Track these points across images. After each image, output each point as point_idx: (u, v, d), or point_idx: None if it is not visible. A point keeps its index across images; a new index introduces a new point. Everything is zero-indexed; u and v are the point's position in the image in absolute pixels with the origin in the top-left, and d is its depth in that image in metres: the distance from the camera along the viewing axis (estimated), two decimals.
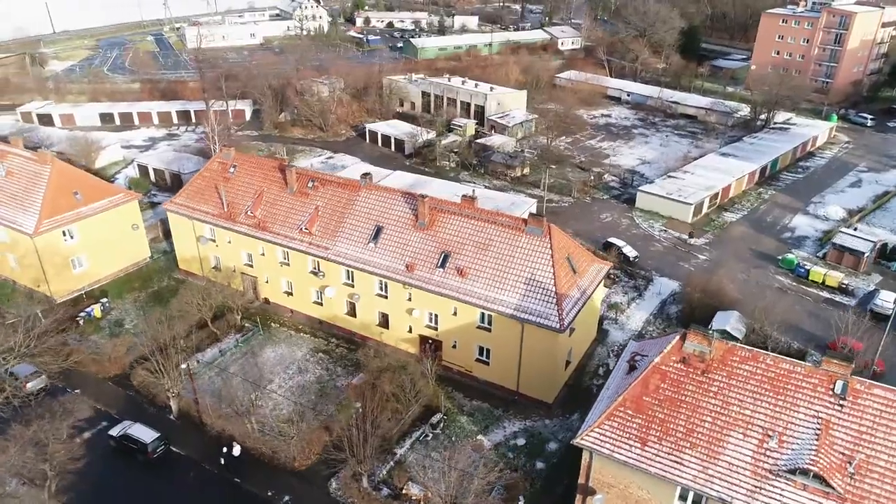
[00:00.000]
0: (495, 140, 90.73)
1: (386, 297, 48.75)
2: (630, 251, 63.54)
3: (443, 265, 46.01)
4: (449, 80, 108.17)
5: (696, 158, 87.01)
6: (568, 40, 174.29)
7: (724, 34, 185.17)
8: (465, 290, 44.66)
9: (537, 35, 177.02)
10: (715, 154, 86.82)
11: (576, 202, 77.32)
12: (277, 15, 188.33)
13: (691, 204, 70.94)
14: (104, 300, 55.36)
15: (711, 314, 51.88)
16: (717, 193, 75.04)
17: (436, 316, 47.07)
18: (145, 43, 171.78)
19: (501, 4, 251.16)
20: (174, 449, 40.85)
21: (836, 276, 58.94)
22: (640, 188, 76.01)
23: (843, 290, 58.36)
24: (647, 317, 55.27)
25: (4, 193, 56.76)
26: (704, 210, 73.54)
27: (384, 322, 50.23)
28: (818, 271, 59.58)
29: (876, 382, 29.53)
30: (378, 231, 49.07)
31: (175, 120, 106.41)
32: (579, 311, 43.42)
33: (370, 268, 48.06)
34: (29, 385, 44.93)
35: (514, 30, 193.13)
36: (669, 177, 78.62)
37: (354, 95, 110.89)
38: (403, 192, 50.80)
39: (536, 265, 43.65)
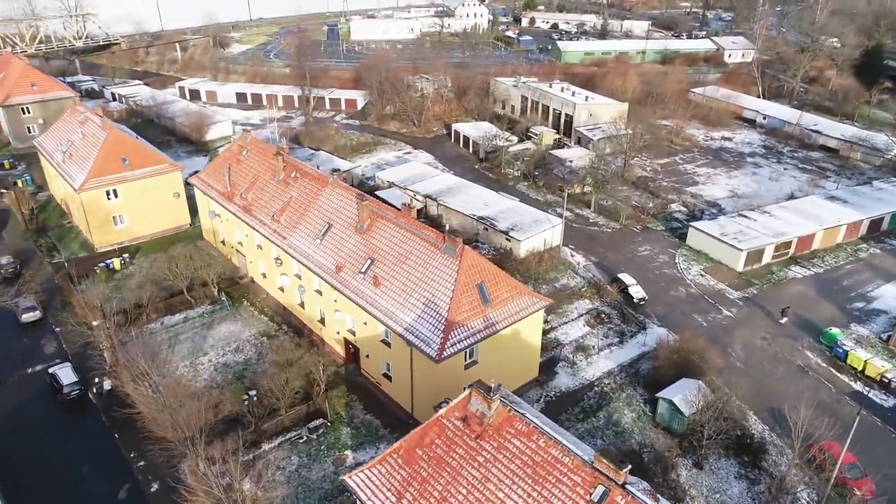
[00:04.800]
0: (569, 153, 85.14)
1: (321, 295, 48.95)
2: (637, 291, 56.14)
3: (365, 272, 44.95)
4: (550, 87, 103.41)
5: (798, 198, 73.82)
6: (738, 52, 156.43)
7: None
8: (372, 301, 43.22)
9: (701, 45, 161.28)
10: (817, 196, 72.67)
11: (621, 229, 69.93)
12: (441, 11, 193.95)
13: (743, 250, 60.39)
14: (125, 255, 62.67)
15: (677, 378, 44.37)
16: (790, 242, 62.91)
17: (354, 322, 46.24)
18: (320, 32, 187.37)
19: (688, 11, 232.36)
20: (90, 396, 45.36)
21: (879, 366, 46.54)
22: (692, 224, 66.43)
23: (883, 384, 45.94)
24: (613, 368, 48.62)
25: (77, 152, 66.58)
26: (767, 259, 62.09)
27: (323, 319, 50.48)
28: (858, 356, 47.51)
29: (642, 501, 23.24)
30: (328, 229, 49.29)
31: (296, 104, 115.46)
32: (473, 344, 39.80)
33: (308, 262, 48.54)
34: (24, 316, 52.89)
35: (687, 37, 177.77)
36: (740, 215, 67.62)
37: (458, 94, 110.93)
38: (359, 192, 50.31)
39: (438, 287, 40.76)
